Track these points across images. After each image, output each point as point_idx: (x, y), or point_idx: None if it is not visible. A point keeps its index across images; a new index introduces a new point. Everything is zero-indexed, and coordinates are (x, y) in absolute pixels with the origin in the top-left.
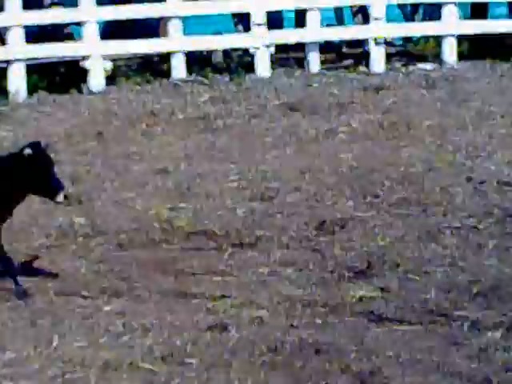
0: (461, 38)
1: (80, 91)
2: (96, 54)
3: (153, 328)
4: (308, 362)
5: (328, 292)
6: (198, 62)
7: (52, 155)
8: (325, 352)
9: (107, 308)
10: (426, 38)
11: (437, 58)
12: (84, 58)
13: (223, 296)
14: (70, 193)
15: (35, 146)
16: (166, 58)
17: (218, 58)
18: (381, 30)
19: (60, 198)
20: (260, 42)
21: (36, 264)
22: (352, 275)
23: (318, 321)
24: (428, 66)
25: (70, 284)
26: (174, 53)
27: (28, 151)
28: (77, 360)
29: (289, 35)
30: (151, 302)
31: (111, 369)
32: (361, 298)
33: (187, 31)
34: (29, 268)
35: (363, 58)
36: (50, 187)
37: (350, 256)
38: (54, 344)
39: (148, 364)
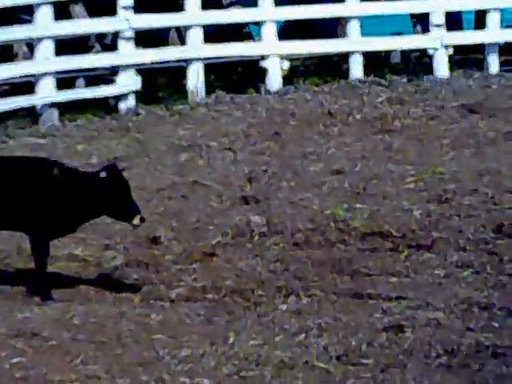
0: None
1: (258, 91)
2: (274, 54)
3: (328, 328)
4: (485, 365)
5: (505, 295)
6: (375, 62)
7: (127, 177)
8: (502, 355)
9: (283, 307)
10: None
11: None
12: (262, 57)
13: (399, 297)
14: (143, 215)
15: (111, 169)
16: (343, 58)
17: (395, 59)
18: None
19: (136, 221)
20: (438, 43)
21: (212, 262)
22: None
23: (495, 324)
24: None
25: (245, 282)
26: (351, 53)
27: (103, 174)
28: (252, 358)
29: (468, 36)
30: (327, 301)
31: (286, 368)
32: None
33: (365, 32)
34: (205, 266)
35: None
36: (125, 211)
37: None
38: (230, 341)
39: (323, 364)
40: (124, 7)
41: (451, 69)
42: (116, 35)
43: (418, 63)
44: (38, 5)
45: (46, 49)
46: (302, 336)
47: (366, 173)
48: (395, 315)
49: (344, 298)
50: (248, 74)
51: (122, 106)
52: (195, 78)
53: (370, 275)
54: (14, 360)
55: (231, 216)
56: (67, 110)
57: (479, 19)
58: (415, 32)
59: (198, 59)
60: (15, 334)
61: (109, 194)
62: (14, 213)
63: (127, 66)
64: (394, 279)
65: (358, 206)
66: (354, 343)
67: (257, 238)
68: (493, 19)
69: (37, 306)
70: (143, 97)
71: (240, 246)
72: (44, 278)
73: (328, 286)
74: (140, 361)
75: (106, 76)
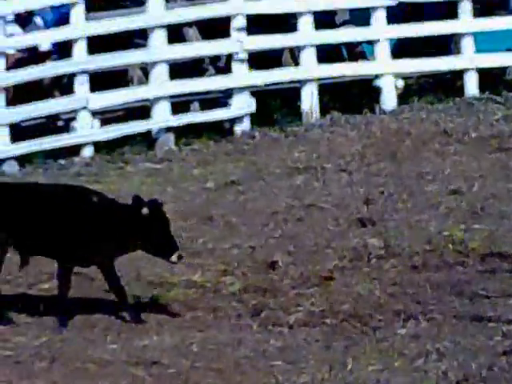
0: None
1: (372, 111)
2: (388, 73)
3: (448, 352)
4: None
5: None
6: (490, 79)
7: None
8: None
9: (402, 331)
10: None
11: None
12: (376, 76)
13: None
14: (182, 253)
15: (153, 204)
16: (458, 75)
17: (511, 75)
18: None
19: (174, 258)
20: None
21: (330, 286)
22: None
23: None
24: None
25: (363, 306)
26: (466, 70)
27: (145, 211)
28: (371, 383)
29: None
30: (446, 325)
31: None
32: None
33: (479, 48)
34: (323, 290)
35: None
36: (164, 247)
37: None
38: (349, 367)
39: None
40: (237, 29)
41: None
42: (229, 57)
43: None
44: (152, 28)
45: (160, 73)
46: (421, 361)
47: (484, 192)
48: None
49: (463, 321)
50: (363, 93)
51: (237, 128)
52: (309, 99)
53: (489, 297)
54: None
55: (348, 239)
56: (183, 133)
57: None
58: None
59: (312, 80)
60: (135, 361)
61: (148, 231)
62: (49, 239)
63: (241, 89)
64: None
65: (476, 226)
66: (474, 367)
67: (374, 260)
68: None
69: (155, 334)
70: (258, 119)
71: (357, 270)
72: (63, 303)
73: (447, 310)
74: None
75: (221, 99)
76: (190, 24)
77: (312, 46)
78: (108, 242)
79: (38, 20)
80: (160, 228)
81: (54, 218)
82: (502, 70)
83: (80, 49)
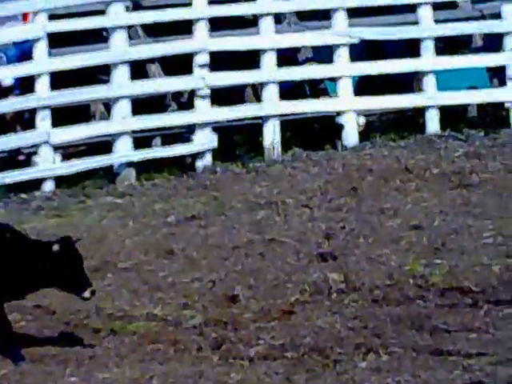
0: None
1: (334, 147)
2: (350, 110)
3: None
4: None
5: None
6: (452, 116)
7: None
8: None
9: (362, 364)
10: None
11: None
12: (338, 113)
13: (480, 353)
14: (94, 288)
15: (65, 241)
16: (419, 112)
17: (472, 113)
18: None
19: (87, 294)
20: None
21: (291, 320)
22: None
23: None
24: None
25: (324, 339)
26: (427, 108)
27: (56, 248)
28: None
29: None
30: (407, 358)
31: None
32: None
33: (441, 86)
34: (284, 324)
35: None
36: (76, 284)
37: None
38: None
39: None
40: (200, 65)
41: None
42: (192, 93)
43: (494, 117)
44: (115, 64)
45: (122, 108)
46: None
47: (445, 228)
48: (476, 372)
49: (424, 354)
50: (324, 130)
51: (199, 164)
52: (271, 135)
53: (449, 331)
54: None
55: (309, 273)
56: (144, 168)
57: None
58: (493, 85)
59: (275, 116)
60: None
61: (59, 267)
62: None
63: (204, 124)
64: (473, 335)
65: (436, 261)
66: None
67: (335, 295)
68: None
69: (116, 367)
70: (220, 155)
71: (318, 304)
72: (10, 338)
73: (407, 343)
74: None
75: (183, 134)
76: (152, 60)
77: (275, 82)
78: (20, 277)
79: (1, 55)
80: (71, 264)
81: None
82: (464, 108)
83: (43, 84)
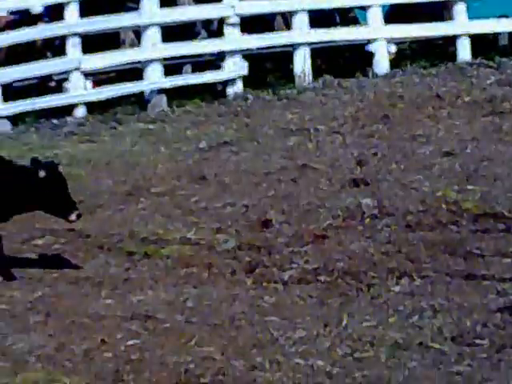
0: None
1: (365, 75)
2: (381, 38)
3: (442, 309)
4: None
5: None
6: (483, 45)
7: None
8: None
9: (396, 288)
10: None
11: None
12: (368, 41)
13: None
14: (80, 211)
15: (51, 166)
16: (450, 40)
17: (503, 41)
18: None
19: (73, 217)
20: None
21: (324, 244)
22: None
23: None
24: None
25: (357, 264)
26: (458, 36)
27: (42, 174)
28: (366, 339)
29: None
30: (440, 283)
31: (401, 348)
32: None
33: (471, 15)
34: (317, 248)
35: None
36: (62, 207)
37: None
38: (344, 323)
39: (438, 344)
40: None
41: None
42: (222, 21)
43: None
44: None
45: (152, 36)
46: (416, 317)
47: (477, 155)
48: (510, 296)
49: (457, 279)
50: (355, 58)
51: (230, 91)
52: (302, 63)
53: (483, 256)
54: (130, 342)
55: (341, 199)
56: (175, 95)
57: None
58: None
59: (305, 44)
60: (130, 316)
61: (46, 192)
62: None
63: (233, 52)
64: (507, 260)
65: (469, 187)
66: (468, 324)
67: (368, 220)
68: None
69: (150, 289)
70: (250, 82)
71: (351, 229)
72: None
73: (441, 268)
74: (254, 342)
75: (213, 62)
76: None
77: (304, 10)
78: (6, 201)
79: None
80: (57, 189)
81: None
82: (495, 37)
83: (72, 12)
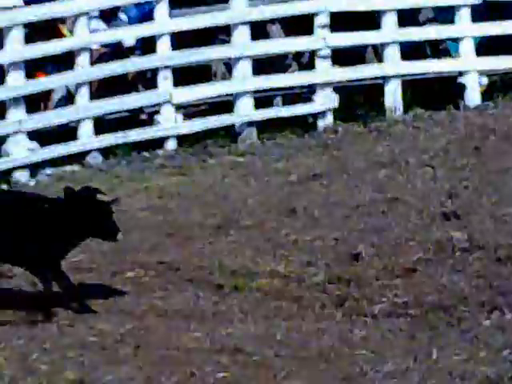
0: None
1: (456, 107)
2: (473, 70)
3: None
4: None
5: None
6: None
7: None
8: None
9: (486, 322)
10: None
11: None
12: (460, 73)
13: None
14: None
15: (84, 196)
16: None
17: None
18: None
19: (120, 236)
20: None
21: (414, 278)
22: None
23: None
24: None
25: (448, 298)
26: None
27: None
28: (457, 373)
29: None
30: None
31: (492, 383)
32: None
33: None
34: (407, 282)
35: None
36: (110, 231)
37: None
38: (434, 357)
39: None
40: (321, 26)
41: None
42: (313, 54)
43: None
44: (236, 25)
45: (243, 68)
46: (507, 351)
47: None
48: None
49: None
50: (446, 90)
51: (320, 123)
52: (392, 95)
53: None
54: (219, 375)
55: (432, 232)
56: (265, 128)
57: None
58: None
59: (396, 76)
60: (219, 349)
61: (90, 220)
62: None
63: (324, 84)
64: None
65: None
66: None
67: (458, 253)
68: None
69: (239, 322)
70: (341, 114)
71: (441, 262)
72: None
73: None
74: (343, 376)
75: (303, 94)
76: (273, 21)
77: (395, 42)
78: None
79: (123, 16)
80: (100, 214)
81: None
82: None
83: (164, 44)
